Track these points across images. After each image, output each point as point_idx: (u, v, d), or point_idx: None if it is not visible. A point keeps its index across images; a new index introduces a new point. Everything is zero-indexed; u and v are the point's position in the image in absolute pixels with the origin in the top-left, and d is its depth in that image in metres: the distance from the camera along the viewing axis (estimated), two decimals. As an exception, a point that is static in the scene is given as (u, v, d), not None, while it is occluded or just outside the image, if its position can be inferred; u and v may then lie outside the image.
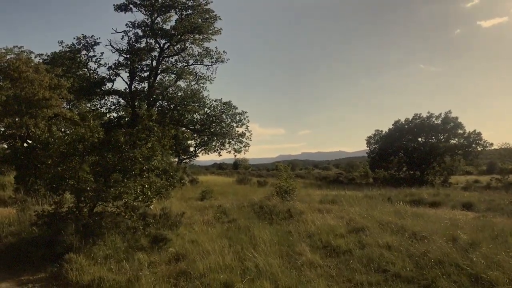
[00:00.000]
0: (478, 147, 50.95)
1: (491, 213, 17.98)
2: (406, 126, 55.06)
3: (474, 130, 51.11)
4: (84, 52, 38.44)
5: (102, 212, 11.96)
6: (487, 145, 50.28)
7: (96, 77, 39.10)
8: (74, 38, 38.21)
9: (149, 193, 11.93)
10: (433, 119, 53.36)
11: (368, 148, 58.74)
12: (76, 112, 35.40)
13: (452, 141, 52.48)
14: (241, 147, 42.26)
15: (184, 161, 52.07)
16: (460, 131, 51.84)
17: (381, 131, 57.88)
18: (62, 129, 33.02)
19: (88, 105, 41.02)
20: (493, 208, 19.49)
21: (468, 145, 50.99)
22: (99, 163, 11.61)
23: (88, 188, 10.73)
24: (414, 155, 52.77)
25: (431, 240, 10.91)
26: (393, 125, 56.71)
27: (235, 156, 45.08)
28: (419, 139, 54.40)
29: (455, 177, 51.38)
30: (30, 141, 24.01)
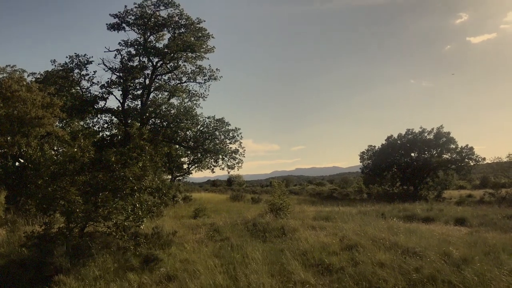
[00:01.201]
0: (470, 161, 51.14)
1: (484, 228, 17.97)
2: (399, 142, 55.28)
3: (467, 145, 51.42)
4: (77, 70, 38.47)
5: (93, 232, 11.85)
6: (480, 159, 50.53)
7: (89, 95, 39.06)
8: (67, 57, 38.32)
9: (140, 213, 11.85)
10: (426, 134, 53.63)
11: (361, 164, 58.85)
12: (69, 130, 35.31)
13: (444, 156, 52.65)
14: (234, 164, 42.21)
15: (178, 178, 51.87)
16: (452, 146, 52.09)
17: (374, 146, 58.10)
18: (55, 148, 32.90)
19: (81, 123, 40.92)
20: (486, 223, 19.48)
21: (461, 159, 51.19)
22: (90, 183, 11.53)
23: (78, 210, 10.63)
24: (408, 170, 52.90)
25: (424, 256, 10.89)
26: (386, 140, 56.94)
27: (228, 172, 44.98)
28: (412, 154, 54.56)
29: (448, 192, 51.47)
30: (21, 160, 23.84)
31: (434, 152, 52.89)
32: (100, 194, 11.45)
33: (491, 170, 50.80)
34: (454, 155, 51.84)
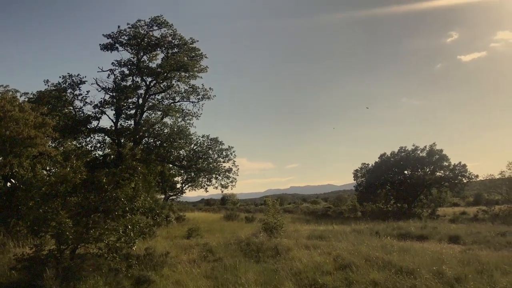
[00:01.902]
0: (464, 179, 51.23)
1: (478, 246, 17.99)
2: (392, 159, 55.38)
3: (460, 162, 51.56)
4: (70, 90, 38.42)
5: (84, 254, 11.72)
6: (473, 176, 50.63)
7: (82, 115, 38.97)
8: (60, 77, 38.31)
9: (132, 234, 11.74)
10: (418, 152, 53.80)
11: (355, 181, 58.80)
12: (62, 150, 35.11)
13: (438, 173, 52.74)
14: (228, 183, 42.10)
15: (171, 198, 51.59)
16: (445, 163, 52.22)
17: (368, 164, 58.12)
18: (47, 168, 32.66)
19: (74, 143, 40.74)
20: (480, 241, 19.51)
21: (454, 177, 51.29)
22: (81, 204, 11.45)
23: (68, 233, 10.51)
24: (401, 188, 52.90)
25: (418, 275, 10.86)
26: (379, 158, 57.03)
27: (222, 191, 44.80)
28: (405, 172, 54.63)
29: (442, 209, 51.49)
30: (13, 181, 23.63)
31: (427, 169, 53.02)
32: (92, 215, 11.35)
33: (484, 187, 50.95)
34: (447, 173, 51.97)
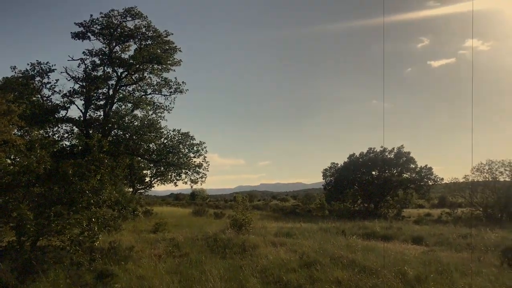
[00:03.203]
0: (429, 181, 52.53)
1: (439, 247, 18.44)
2: (360, 160, 56.24)
3: (426, 165, 52.83)
4: (38, 78, 37.46)
5: (46, 246, 11.43)
6: (438, 179, 51.96)
7: (50, 104, 38.06)
8: (28, 64, 37.27)
9: (95, 227, 11.52)
10: (387, 154, 54.84)
11: (324, 181, 59.44)
12: (28, 139, 34.15)
13: (404, 175, 53.86)
14: (198, 178, 41.91)
15: (139, 191, 50.96)
16: (412, 165, 53.41)
17: (337, 164, 58.85)
18: (12, 157, 31.70)
19: (41, 132, 39.71)
20: (442, 242, 19.99)
21: (420, 179, 52.49)
22: (44, 195, 11.16)
23: (28, 225, 10.22)
24: (369, 188, 53.77)
25: (380, 274, 11.05)
26: (348, 158, 57.82)
27: (191, 187, 44.58)
28: (373, 173, 55.58)
29: (408, 210, 52.56)
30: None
31: (395, 171, 54.08)
32: (55, 207, 11.07)
33: (448, 190, 52.19)
34: (414, 175, 53.14)
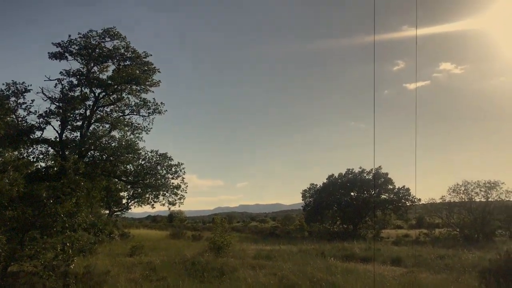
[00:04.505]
0: (407, 202, 53.11)
1: (418, 268, 18.49)
2: (339, 181, 56.57)
3: (403, 186, 53.42)
4: (13, 98, 36.72)
5: (17, 272, 11.03)
6: (415, 200, 52.55)
7: (25, 124, 37.32)
8: (3, 84, 36.51)
9: (70, 251, 11.19)
10: (365, 175, 55.36)
11: (303, 202, 59.48)
12: (1, 160, 33.32)
13: (383, 196, 54.38)
14: (175, 200, 41.31)
15: (116, 213, 50.06)
16: (390, 186, 53.96)
17: (316, 185, 59.05)
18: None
19: (15, 153, 38.80)
20: (420, 263, 20.08)
21: (398, 200, 52.99)
22: (17, 219, 10.81)
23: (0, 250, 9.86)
24: (347, 209, 53.97)
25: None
26: (327, 179, 58.11)
27: (169, 209, 43.95)
28: (352, 194, 55.90)
29: (386, 231, 52.87)
30: None
31: (373, 192, 54.51)
32: (28, 231, 10.73)
33: (426, 210, 52.84)
34: (392, 195, 53.64)
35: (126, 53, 38.84)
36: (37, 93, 37.14)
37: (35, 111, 37.21)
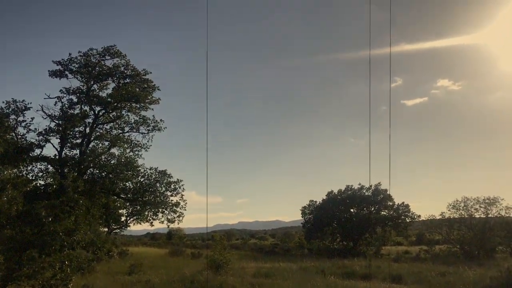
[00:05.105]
0: (407, 218, 52.96)
1: (419, 285, 18.40)
2: (339, 197, 56.43)
3: (403, 202, 53.33)
4: (13, 116, 36.85)
5: (15, 291, 10.96)
6: (415, 216, 52.46)
7: (25, 142, 37.35)
8: (3, 102, 36.73)
9: (68, 270, 11.13)
10: (364, 191, 55.26)
11: (303, 218, 59.26)
12: (0, 178, 33.26)
13: (382, 212, 54.24)
14: (174, 217, 41.11)
15: (114, 231, 49.80)
16: (389, 203, 53.84)
17: (315, 201, 58.88)
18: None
19: (15, 171, 38.75)
20: (421, 281, 19.97)
21: (398, 216, 52.85)
22: (15, 238, 10.78)
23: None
24: (347, 226, 53.74)
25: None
26: (326, 196, 57.96)
27: (168, 226, 43.76)
28: (352, 210, 55.74)
29: (386, 248, 52.60)
30: None
31: (372, 208, 54.38)
32: (27, 251, 10.69)
33: (425, 227, 52.74)
34: (392, 212, 53.51)
35: (125, 71, 39.09)
36: (37, 110, 37.27)
37: (35, 128, 37.27)
